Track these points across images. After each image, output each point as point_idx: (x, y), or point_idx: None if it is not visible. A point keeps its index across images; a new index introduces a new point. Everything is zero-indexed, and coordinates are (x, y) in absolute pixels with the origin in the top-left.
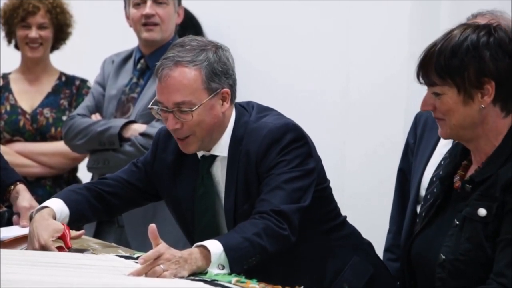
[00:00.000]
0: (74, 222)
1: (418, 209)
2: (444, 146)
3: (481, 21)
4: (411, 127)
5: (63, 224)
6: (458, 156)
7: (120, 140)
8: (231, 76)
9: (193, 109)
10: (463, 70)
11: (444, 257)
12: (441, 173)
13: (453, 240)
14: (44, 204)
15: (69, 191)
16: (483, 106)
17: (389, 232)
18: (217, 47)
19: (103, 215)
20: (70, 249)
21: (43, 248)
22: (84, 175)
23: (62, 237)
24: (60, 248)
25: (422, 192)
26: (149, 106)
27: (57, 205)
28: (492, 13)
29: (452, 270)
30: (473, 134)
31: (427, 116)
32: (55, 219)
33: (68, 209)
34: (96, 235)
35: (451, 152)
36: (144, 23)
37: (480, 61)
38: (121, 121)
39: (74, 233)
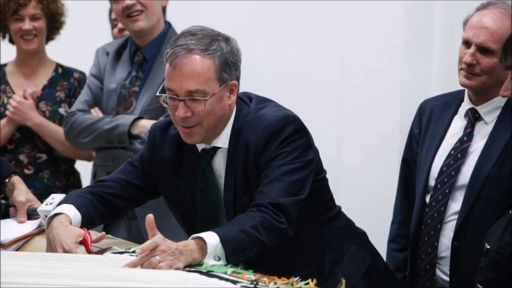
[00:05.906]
0: (84, 227)
1: (428, 199)
2: (452, 136)
3: (493, 10)
4: (416, 117)
5: (83, 229)
6: None
7: (129, 137)
8: (238, 68)
9: (206, 98)
10: None
11: (488, 247)
12: None
13: (500, 231)
14: (57, 210)
15: (76, 196)
16: None
17: (393, 223)
18: (227, 38)
19: (108, 218)
20: (91, 253)
21: None
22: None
23: (83, 242)
24: None
25: (431, 182)
26: (157, 93)
27: (70, 211)
28: (504, 3)
29: (492, 261)
30: None
31: (433, 106)
32: (71, 224)
33: (80, 214)
34: (106, 228)
35: None
36: (128, 15)
37: None
38: (128, 118)
39: (95, 235)
